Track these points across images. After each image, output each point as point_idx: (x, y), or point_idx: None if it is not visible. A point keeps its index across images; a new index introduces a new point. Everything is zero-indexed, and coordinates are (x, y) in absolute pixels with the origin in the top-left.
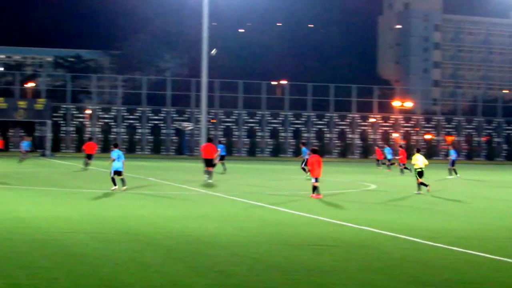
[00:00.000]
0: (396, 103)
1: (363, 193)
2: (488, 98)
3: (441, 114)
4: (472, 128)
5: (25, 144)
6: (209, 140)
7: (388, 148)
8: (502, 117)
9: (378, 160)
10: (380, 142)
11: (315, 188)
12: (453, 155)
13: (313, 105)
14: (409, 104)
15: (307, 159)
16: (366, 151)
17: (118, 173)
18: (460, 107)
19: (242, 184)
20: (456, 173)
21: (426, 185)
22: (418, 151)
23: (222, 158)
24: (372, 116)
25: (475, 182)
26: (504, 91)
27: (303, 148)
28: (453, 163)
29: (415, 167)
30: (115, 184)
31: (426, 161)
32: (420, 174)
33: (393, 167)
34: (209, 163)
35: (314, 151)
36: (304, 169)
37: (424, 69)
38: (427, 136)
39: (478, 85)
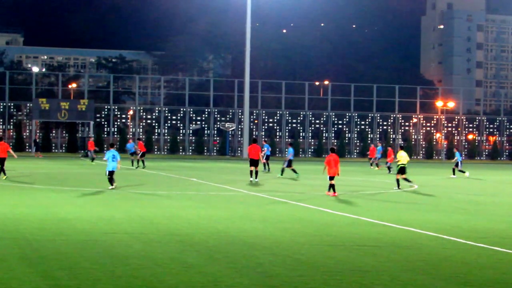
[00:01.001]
0: (438, 103)
1: (405, 193)
2: None
3: (483, 114)
4: None
5: (129, 146)
6: (254, 140)
7: (380, 147)
8: None
9: (370, 159)
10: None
11: (331, 186)
12: (457, 157)
13: (355, 105)
14: (451, 104)
15: (290, 160)
16: (410, 152)
17: (112, 173)
18: (503, 107)
19: (284, 184)
20: (454, 173)
21: (409, 181)
22: (402, 148)
23: (267, 158)
24: (414, 116)
25: None
26: None
27: (290, 149)
28: (457, 164)
29: (399, 163)
30: (111, 184)
31: (408, 158)
32: (403, 170)
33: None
34: (255, 163)
35: (332, 150)
36: (283, 170)
37: (467, 69)
38: (470, 136)
39: None
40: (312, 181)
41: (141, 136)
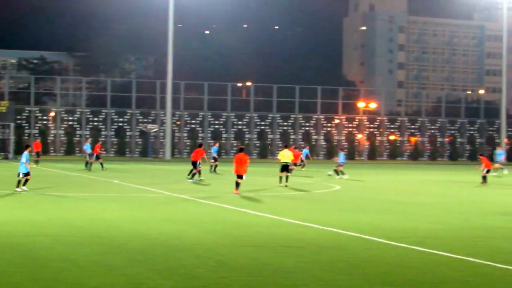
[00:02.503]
0: (360, 104)
1: (327, 194)
2: (451, 99)
3: (405, 115)
4: (436, 128)
5: (87, 146)
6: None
7: (306, 149)
8: (465, 118)
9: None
10: (302, 143)
11: (238, 185)
12: (340, 158)
13: (278, 106)
14: (373, 105)
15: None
16: (331, 152)
17: (27, 174)
18: (424, 108)
19: (207, 186)
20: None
21: (286, 180)
22: (286, 146)
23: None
24: (337, 117)
25: (438, 182)
26: (467, 92)
27: (214, 148)
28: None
29: (281, 161)
30: (21, 186)
31: (292, 157)
32: (284, 168)
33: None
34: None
35: (240, 150)
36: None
37: (389, 70)
38: (391, 137)
39: (442, 86)
40: (233, 183)
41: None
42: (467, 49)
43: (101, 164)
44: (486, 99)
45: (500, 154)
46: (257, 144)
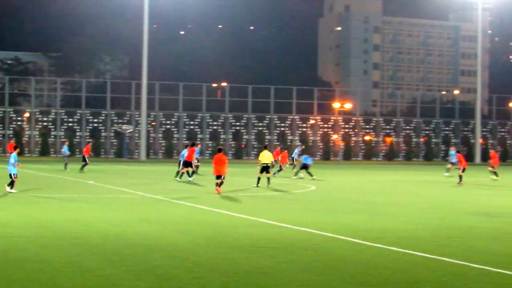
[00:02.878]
0: (336, 105)
1: (302, 195)
2: (426, 99)
3: (380, 116)
4: (411, 129)
5: (65, 149)
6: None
7: (298, 149)
8: (440, 118)
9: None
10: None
11: (218, 184)
12: (295, 152)
13: (253, 107)
14: (348, 106)
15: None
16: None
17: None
18: (399, 108)
19: (183, 187)
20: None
21: (268, 181)
22: (265, 147)
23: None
24: (312, 117)
25: (413, 183)
26: (442, 93)
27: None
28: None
29: (261, 162)
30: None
31: (272, 158)
32: (264, 169)
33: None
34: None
35: (219, 150)
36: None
37: (364, 71)
38: (367, 138)
39: (417, 87)
40: (209, 184)
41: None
42: (442, 50)
43: (83, 166)
44: (461, 100)
45: (454, 154)
46: (232, 145)
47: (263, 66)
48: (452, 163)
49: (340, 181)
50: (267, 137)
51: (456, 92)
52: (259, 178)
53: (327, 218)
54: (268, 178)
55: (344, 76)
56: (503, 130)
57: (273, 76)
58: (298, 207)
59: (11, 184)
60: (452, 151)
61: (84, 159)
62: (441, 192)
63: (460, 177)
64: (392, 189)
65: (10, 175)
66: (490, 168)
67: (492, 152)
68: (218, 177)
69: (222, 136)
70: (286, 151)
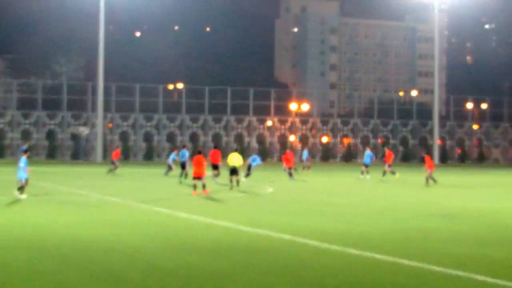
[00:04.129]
0: (293, 106)
1: (260, 196)
2: (384, 100)
3: (337, 117)
4: (369, 130)
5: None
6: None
7: (305, 151)
8: (397, 119)
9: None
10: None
11: (196, 186)
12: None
13: (210, 108)
14: (306, 107)
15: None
16: (264, 154)
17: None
18: (357, 109)
19: (139, 189)
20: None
21: (237, 183)
22: (236, 150)
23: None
24: (269, 119)
25: (371, 184)
26: (399, 93)
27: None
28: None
29: (229, 164)
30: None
31: (241, 161)
32: (233, 171)
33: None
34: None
35: (198, 152)
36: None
37: (321, 72)
38: (324, 139)
39: (374, 87)
40: (168, 184)
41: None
42: (398, 51)
43: (111, 170)
44: (418, 101)
45: (369, 155)
46: (189, 146)
47: (220, 67)
48: (366, 165)
49: (298, 183)
50: (224, 138)
51: (414, 93)
52: (230, 180)
53: (285, 220)
54: (237, 181)
55: (301, 77)
56: (460, 130)
57: (230, 77)
58: (256, 209)
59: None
60: (368, 152)
61: (113, 162)
62: (399, 193)
63: (427, 179)
64: (349, 190)
65: (21, 179)
66: (388, 168)
67: (387, 150)
68: (197, 179)
69: (179, 138)
70: (291, 151)
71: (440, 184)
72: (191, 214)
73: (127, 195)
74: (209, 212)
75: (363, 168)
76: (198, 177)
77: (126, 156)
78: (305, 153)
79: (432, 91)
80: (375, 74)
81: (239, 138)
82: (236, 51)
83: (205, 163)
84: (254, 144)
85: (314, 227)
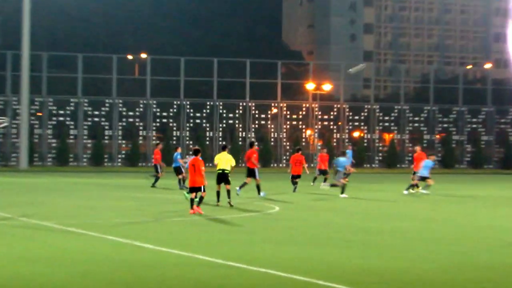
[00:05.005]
0: (309, 86)
1: (261, 218)
2: (443, 77)
3: (376, 102)
4: (421, 121)
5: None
6: (223, 148)
7: (349, 150)
8: (463, 105)
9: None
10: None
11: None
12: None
13: (187, 89)
14: (328, 87)
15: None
16: (267, 155)
17: None
18: (404, 90)
19: (81, 207)
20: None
21: (228, 195)
22: (224, 148)
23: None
24: (274, 104)
25: (427, 202)
26: (467, 67)
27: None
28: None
29: (217, 168)
30: None
31: (233, 162)
32: (222, 178)
33: None
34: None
35: (195, 152)
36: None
37: (351, 36)
38: (355, 133)
39: (429, 58)
40: (124, 199)
41: None
42: (466, 3)
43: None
44: (495, 77)
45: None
46: (158, 143)
47: (203, 31)
48: (423, 178)
49: (313, 198)
50: (209, 133)
51: (488, 66)
52: (218, 192)
53: (297, 253)
54: (228, 191)
55: (321, 43)
56: None
57: (217, 44)
58: (253, 238)
59: None
60: (429, 160)
61: (156, 170)
62: (461, 215)
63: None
64: (389, 209)
65: None
66: (413, 178)
67: (418, 151)
68: (194, 190)
69: (141, 132)
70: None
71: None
72: (159, 245)
73: (66, 218)
74: (184, 242)
75: (415, 180)
76: (195, 187)
77: (65, 160)
78: (350, 154)
79: None
80: (431, 38)
81: (229, 132)
82: (226, 8)
83: (203, 168)
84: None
85: (339, 262)
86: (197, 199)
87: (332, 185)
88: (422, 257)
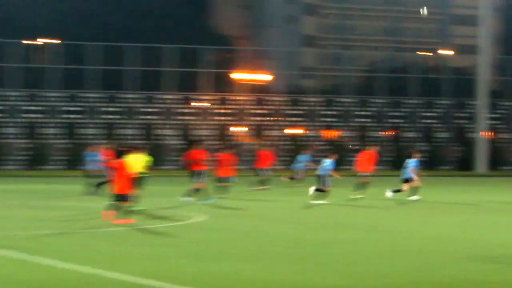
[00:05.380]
0: (240, 76)
1: (188, 228)
2: (396, 65)
3: (317, 94)
4: (367, 116)
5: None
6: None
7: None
8: (418, 96)
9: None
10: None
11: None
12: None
13: (96, 80)
14: (263, 78)
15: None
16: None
17: None
18: (350, 81)
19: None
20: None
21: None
22: (135, 148)
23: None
24: (202, 97)
25: (388, 210)
26: (422, 53)
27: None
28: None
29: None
30: None
31: (146, 163)
32: (138, 182)
33: None
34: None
35: (119, 153)
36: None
37: (289, 17)
38: (294, 131)
39: (380, 44)
40: (32, 209)
41: None
42: None
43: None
44: (455, 65)
45: (303, 161)
46: (66, 145)
47: (110, 11)
48: (408, 180)
49: (249, 204)
50: (127, 131)
51: (447, 52)
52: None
53: (225, 269)
54: (134, 197)
55: (255, 26)
56: None
57: (132, 28)
58: (175, 251)
59: None
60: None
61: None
62: (419, 223)
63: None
64: (329, 217)
65: None
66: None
67: (367, 151)
68: (120, 197)
69: (45, 132)
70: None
71: (484, 208)
72: (63, 260)
73: None
74: (90, 257)
75: (404, 186)
76: (121, 194)
77: None
78: (305, 158)
79: (475, 49)
80: (381, 21)
81: (147, 130)
82: None
83: (130, 171)
84: (170, 138)
85: (282, 280)
86: (124, 208)
87: (318, 190)
88: (369, 272)
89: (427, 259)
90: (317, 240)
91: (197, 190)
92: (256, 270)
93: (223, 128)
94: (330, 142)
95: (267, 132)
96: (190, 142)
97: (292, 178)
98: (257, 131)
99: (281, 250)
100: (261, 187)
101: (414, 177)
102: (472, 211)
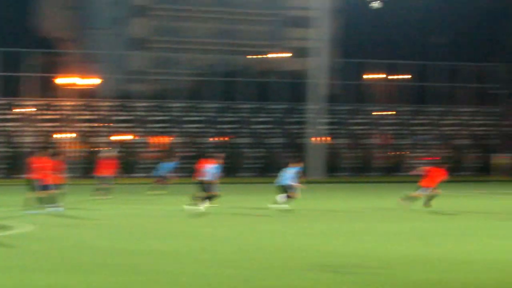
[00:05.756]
0: (66, 80)
1: (11, 239)
2: (228, 69)
3: (145, 99)
4: (199, 121)
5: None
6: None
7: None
8: (252, 102)
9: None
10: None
11: None
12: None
13: None
14: (93, 82)
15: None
16: (16, 163)
17: None
18: (182, 86)
19: None
20: None
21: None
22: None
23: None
24: (25, 102)
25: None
26: (255, 57)
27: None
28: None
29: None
30: None
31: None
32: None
33: None
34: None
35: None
36: None
37: (117, 19)
38: (121, 137)
39: (210, 48)
40: None
41: None
42: None
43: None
44: (289, 69)
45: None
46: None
47: None
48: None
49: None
50: None
51: (281, 56)
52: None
53: (50, 283)
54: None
55: (82, 28)
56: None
57: None
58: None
59: None
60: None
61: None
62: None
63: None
64: (160, 226)
65: None
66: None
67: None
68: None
69: None
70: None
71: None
72: None
73: None
74: None
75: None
76: None
77: None
78: (170, 166)
79: (308, 51)
80: (214, 23)
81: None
82: None
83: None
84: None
85: None
86: None
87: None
88: (196, 282)
89: (253, 269)
90: (149, 249)
91: (40, 199)
92: (85, 283)
93: (48, 134)
94: (161, 148)
95: (94, 139)
96: (43, 150)
97: (156, 186)
98: (84, 137)
99: (108, 261)
100: (102, 196)
101: (295, 184)
102: (307, 219)
